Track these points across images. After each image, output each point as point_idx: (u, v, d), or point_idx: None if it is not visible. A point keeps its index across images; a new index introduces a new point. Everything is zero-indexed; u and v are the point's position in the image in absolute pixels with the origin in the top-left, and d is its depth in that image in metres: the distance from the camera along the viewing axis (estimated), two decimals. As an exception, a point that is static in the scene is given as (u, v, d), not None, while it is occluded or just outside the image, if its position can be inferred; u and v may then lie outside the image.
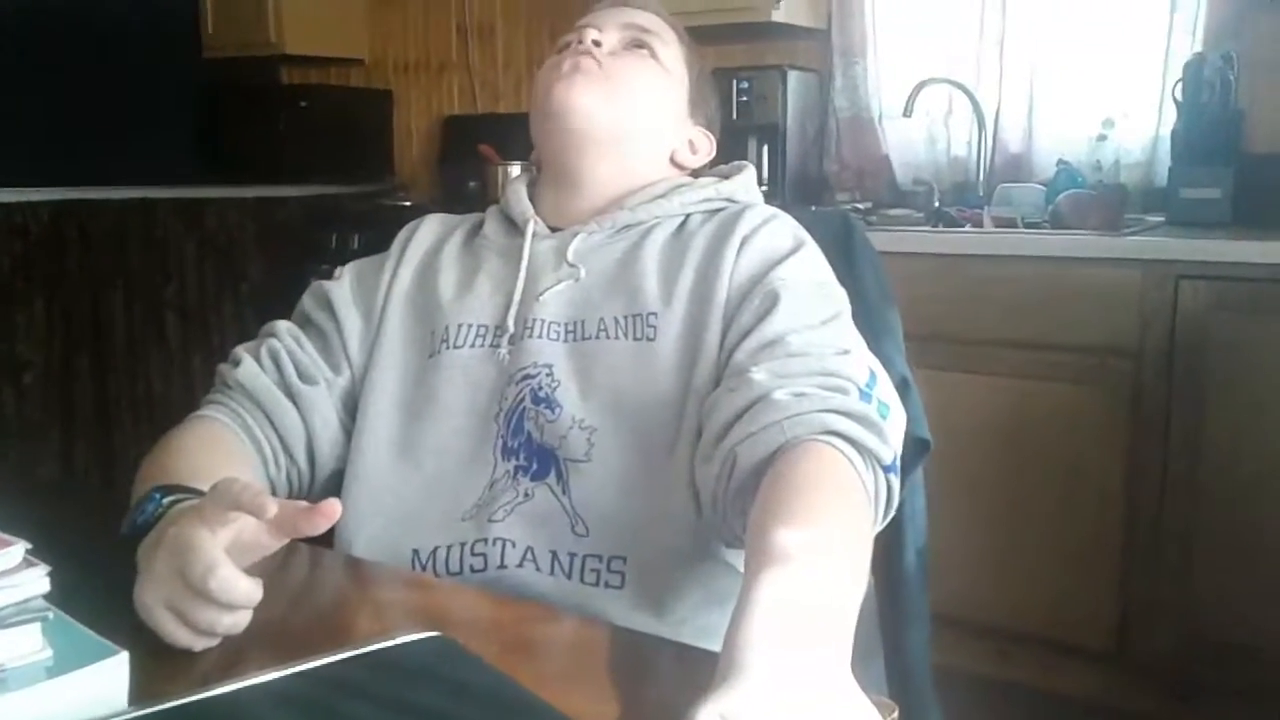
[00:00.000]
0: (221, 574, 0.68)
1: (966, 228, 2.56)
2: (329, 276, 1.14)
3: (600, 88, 1.07)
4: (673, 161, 1.14)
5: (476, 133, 3.44)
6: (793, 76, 2.92)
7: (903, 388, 1.07)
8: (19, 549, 0.63)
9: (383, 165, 3.87)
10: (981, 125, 2.82)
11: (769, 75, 2.91)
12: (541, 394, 0.99)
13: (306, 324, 1.11)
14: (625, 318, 1.01)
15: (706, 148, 1.17)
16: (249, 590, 0.69)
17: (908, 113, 2.80)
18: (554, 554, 0.95)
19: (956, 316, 2.27)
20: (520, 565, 0.95)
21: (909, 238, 2.45)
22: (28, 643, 0.61)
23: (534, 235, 1.08)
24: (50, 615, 0.62)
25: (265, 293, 3.37)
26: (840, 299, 1.01)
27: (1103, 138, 2.71)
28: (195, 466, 0.89)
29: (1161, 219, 2.48)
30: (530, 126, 1.12)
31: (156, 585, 0.70)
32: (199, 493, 0.79)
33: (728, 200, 1.10)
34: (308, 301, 1.13)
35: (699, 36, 1.20)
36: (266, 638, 0.71)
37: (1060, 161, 2.66)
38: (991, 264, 2.27)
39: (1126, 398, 2.16)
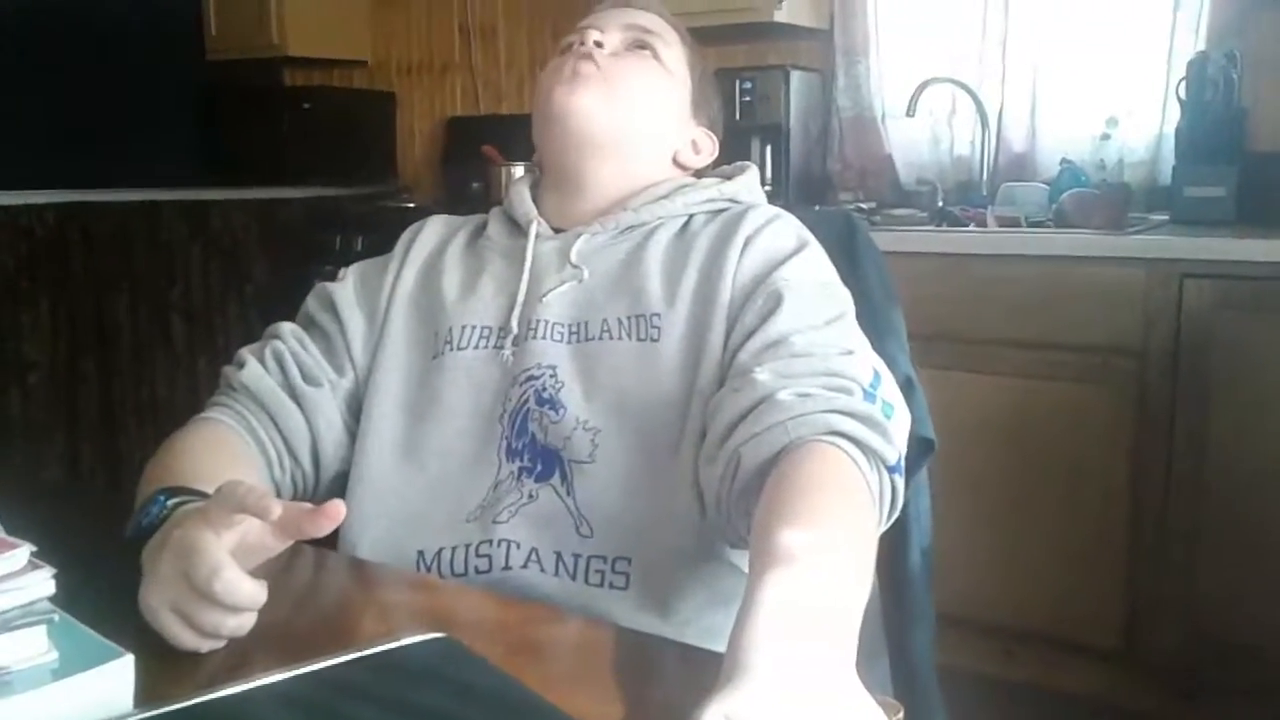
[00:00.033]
0: (226, 576, 0.68)
1: (970, 227, 2.56)
2: (333, 278, 1.14)
3: (601, 91, 1.07)
4: (675, 162, 1.14)
5: (479, 134, 3.44)
6: (795, 76, 2.91)
7: (907, 387, 1.07)
8: (24, 551, 0.63)
9: (386, 167, 3.87)
10: (985, 124, 2.82)
11: (772, 75, 2.90)
12: (545, 395, 0.99)
13: (310, 325, 1.11)
14: (629, 318, 1.01)
15: (709, 148, 1.16)
16: (254, 592, 0.69)
17: (911, 112, 2.80)
18: (559, 555, 0.95)
19: (960, 316, 2.27)
20: (525, 566, 0.95)
21: (912, 237, 2.45)
22: (33, 645, 0.61)
23: (537, 236, 1.08)
24: (55, 618, 0.62)
25: (269, 294, 3.37)
26: (844, 299, 1.01)
27: (1106, 137, 2.70)
28: (200, 469, 0.89)
29: (1165, 218, 2.47)
30: (532, 129, 1.12)
31: (162, 587, 0.70)
32: (204, 495, 0.80)
33: (731, 201, 1.10)
34: (311, 303, 1.13)
35: (701, 37, 1.20)
36: (271, 640, 0.71)
37: (1064, 160, 2.66)
38: (995, 263, 2.27)
39: (1131, 397, 2.15)
